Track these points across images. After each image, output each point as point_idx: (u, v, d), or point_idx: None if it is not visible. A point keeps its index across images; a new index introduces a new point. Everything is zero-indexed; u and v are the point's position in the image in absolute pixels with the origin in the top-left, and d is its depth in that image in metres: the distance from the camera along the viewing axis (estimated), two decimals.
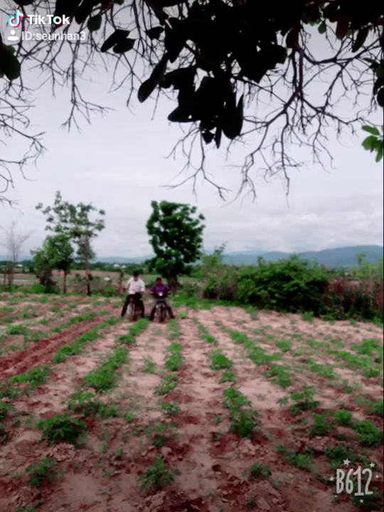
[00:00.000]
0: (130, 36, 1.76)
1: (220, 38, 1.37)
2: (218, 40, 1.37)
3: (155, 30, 1.49)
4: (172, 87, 1.54)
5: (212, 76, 1.45)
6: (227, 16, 1.42)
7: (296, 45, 3.29)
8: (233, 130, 1.52)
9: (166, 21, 1.41)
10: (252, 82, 3.07)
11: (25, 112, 3.53)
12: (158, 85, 1.74)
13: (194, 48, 1.75)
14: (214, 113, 1.45)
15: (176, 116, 1.49)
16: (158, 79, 1.47)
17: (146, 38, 3.63)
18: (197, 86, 1.44)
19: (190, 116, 1.49)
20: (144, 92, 1.52)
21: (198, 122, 2.46)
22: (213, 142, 1.61)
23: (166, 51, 1.47)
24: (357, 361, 7.44)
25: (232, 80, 1.91)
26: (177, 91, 1.51)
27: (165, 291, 12.87)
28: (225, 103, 1.43)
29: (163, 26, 1.43)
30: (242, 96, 1.55)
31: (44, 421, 3.81)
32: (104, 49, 1.87)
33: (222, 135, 1.52)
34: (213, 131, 1.53)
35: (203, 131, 1.56)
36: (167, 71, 1.49)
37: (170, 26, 1.39)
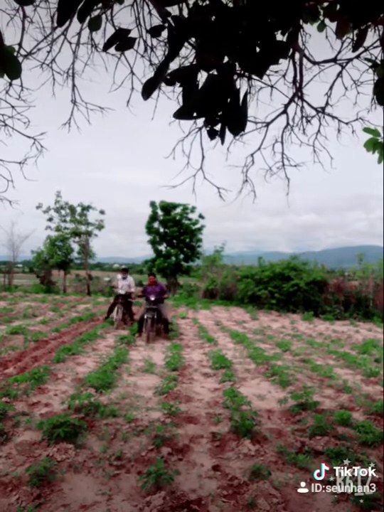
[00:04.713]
0: (130, 36, 1.75)
1: (221, 36, 1.37)
2: (219, 38, 1.37)
3: (156, 29, 1.49)
4: (172, 87, 1.55)
5: (215, 73, 1.45)
6: (228, 16, 1.42)
7: (296, 45, 3.29)
8: (238, 126, 1.52)
9: (169, 19, 1.41)
10: (254, 78, 3.07)
11: (25, 112, 3.53)
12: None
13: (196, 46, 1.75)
14: (218, 110, 1.46)
15: (181, 114, 1.50)
16: (161, 77, 1.48)
17: (146, 38, 3.64)
18: (201, 83, 1.45)
19: (195, 114, 1.50)
20: (148, 90, 1.52)
21: (199, 121, 2.46)
22: (213, 142, 1.62)
23: (169, 49, 1.47)
24: (357, 361, 7.44)
25: (235, 77, 1.91)
26: (177, 91, 1.51)
27: (160, 292, 9.21)
28: (229, 100, 1.43)
29: (166, 25, 1.43)
30: (246, 92, 1.55)
31: (44, 421, 3.81)
32: (105, 48, 1.87)
33: (226, 132, 1.52)
34: (218, 127, 1.54)
35: (208, 128, 1.57)
36: (169, 69, 1.49)
37: (173, 24, 1.40)
